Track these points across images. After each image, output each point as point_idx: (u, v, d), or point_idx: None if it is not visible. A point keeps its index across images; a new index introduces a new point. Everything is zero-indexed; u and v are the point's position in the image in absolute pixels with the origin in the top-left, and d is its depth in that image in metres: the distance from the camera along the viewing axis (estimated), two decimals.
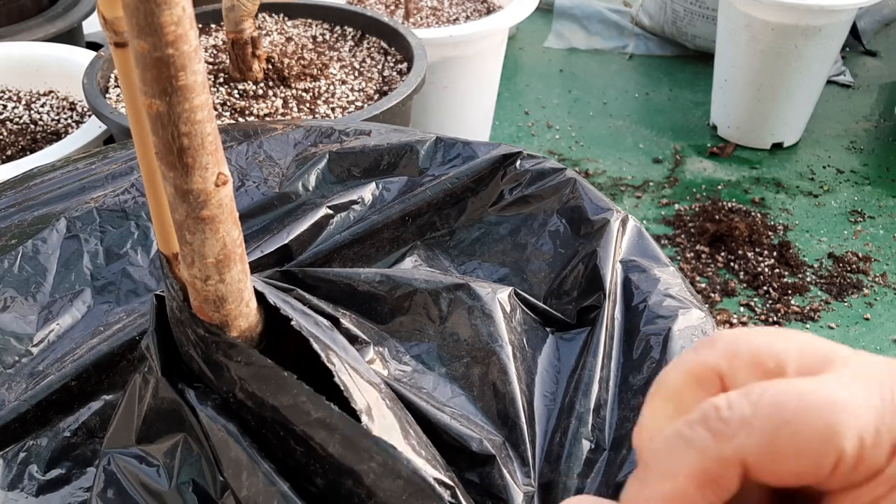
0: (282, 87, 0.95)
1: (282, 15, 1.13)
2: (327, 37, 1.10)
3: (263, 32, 1.08)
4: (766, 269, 1.36)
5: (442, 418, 0.39)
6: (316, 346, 0.33)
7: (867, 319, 1.28)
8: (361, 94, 0.97)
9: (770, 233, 1.45)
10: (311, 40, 1.08)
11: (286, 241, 0.50)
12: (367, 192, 0.55)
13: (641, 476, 0.22)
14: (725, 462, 0.21)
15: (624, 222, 0.52)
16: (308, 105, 0.93)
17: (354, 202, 0.54)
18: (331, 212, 0.53)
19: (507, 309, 0.46)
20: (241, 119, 0.90)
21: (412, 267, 0.53)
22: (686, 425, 0.22)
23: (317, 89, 0.96)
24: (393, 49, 1.07)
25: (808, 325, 1.26)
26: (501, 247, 0.54)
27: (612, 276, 0.48)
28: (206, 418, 0.33)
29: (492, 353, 0.44)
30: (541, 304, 0.48)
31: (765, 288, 1.32)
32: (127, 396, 0.37)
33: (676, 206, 1.53)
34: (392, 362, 0.44)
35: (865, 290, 1.34)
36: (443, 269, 0.53)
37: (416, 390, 0.42)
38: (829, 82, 1.92)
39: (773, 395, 0.21)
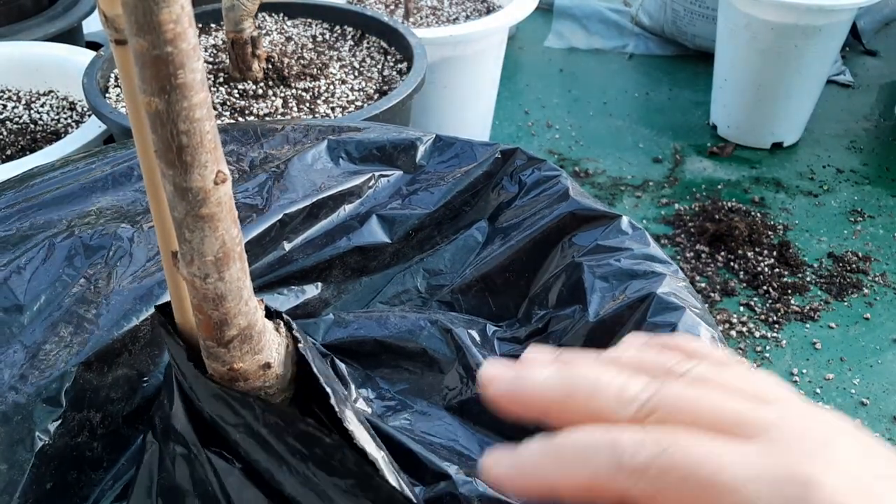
0: (282, 87, 0.95)
1: (282, 14, 1.13)
2: (327, 36, 1.10)
3: (263, 32, 1.08)
4: (766, 269, 1.36)
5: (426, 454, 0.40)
6: (333, 401, 0.33)
7: (867, 319, 1.28)
8: (361, 93, 0.97)
9: (770, 232, 1.45)
10: (310, 40, 1.08)
11: (279, 217, 0.50)
12: (363, 183, 0.55)
13: (550, 450, 0.25)
14: (608, 486, 0.23)
15: (621, 225, 0.52)
16: (308, 105, 0.93)
17: (350, 192, 0.54)
18: (327, 201, 0.53)
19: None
20: (241, 119, 0.90)
21: (408, 301, 0.53)
22: (598, 439, 0.24)
23: (317, 89, 0.96)
24: (393, 49, 1.07)
25: (807, 325, 1.26)
26: (498, 258, 0.53)
27: (596, 281, 0.48)
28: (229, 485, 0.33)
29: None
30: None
31: (765, 288, 1.32)
32: (146, 466, 0.37)
33: (676, 205, 1.53)
34: (376, 401, 0.44)
35: (865, 290, 1.33)
36: (439, 288, 0.53)
37: (406, 430, 0.42)
38: (829, 82, 1.92)
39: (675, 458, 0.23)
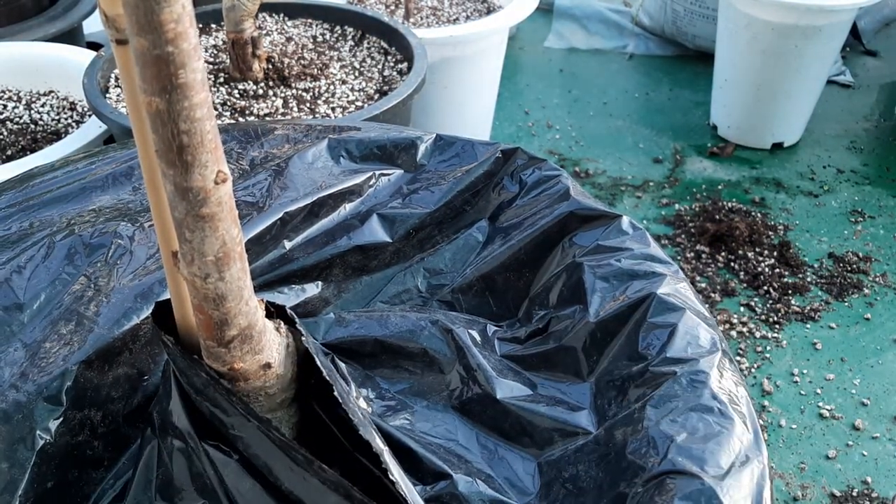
0: (282, 87, 0.95)
1: (282, 15, 1.13)
2: (327, 37, 1.10)
3: (263, 32, 1.08)
4: (767, 269, 1.36)
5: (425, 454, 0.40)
6: (337, 392, 0.33)
7: (867, 319, 1.28)
8: (362, 93, 0.97)
9: (770, 233, 1.45)
10: (311, 40, 1.08)
11: (280, 215, 0.50)
12: (364, 182, 0.55)
13: None
14: None
15: (622, 225, 0.52)
16: (308, 105, 0.93)
17: (351, 191, 0.54)
18: (327, 199, 0.53)
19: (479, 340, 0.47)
20: (241, 119, 0.90)
21: (408, 302, 0.53)
22: None
23: (317, 89, 0.96)
24: (393, 49, 1.07)
25: (808, 326, 1.26)
26: (498, 257, 0.53)
27: (599, 281, 0.48)
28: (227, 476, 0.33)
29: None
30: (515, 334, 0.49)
31: (765, 288, 1.32)
32: (144, 462, 0.37)
33: (676, 206, 1.53)
34: (376, 401, 0.45)
35: (866, 290, 1.33)
36: (439, 287, 0.53)
37: (406, 430, 0.42)
38: (829, 82, 1.92)
39: None
